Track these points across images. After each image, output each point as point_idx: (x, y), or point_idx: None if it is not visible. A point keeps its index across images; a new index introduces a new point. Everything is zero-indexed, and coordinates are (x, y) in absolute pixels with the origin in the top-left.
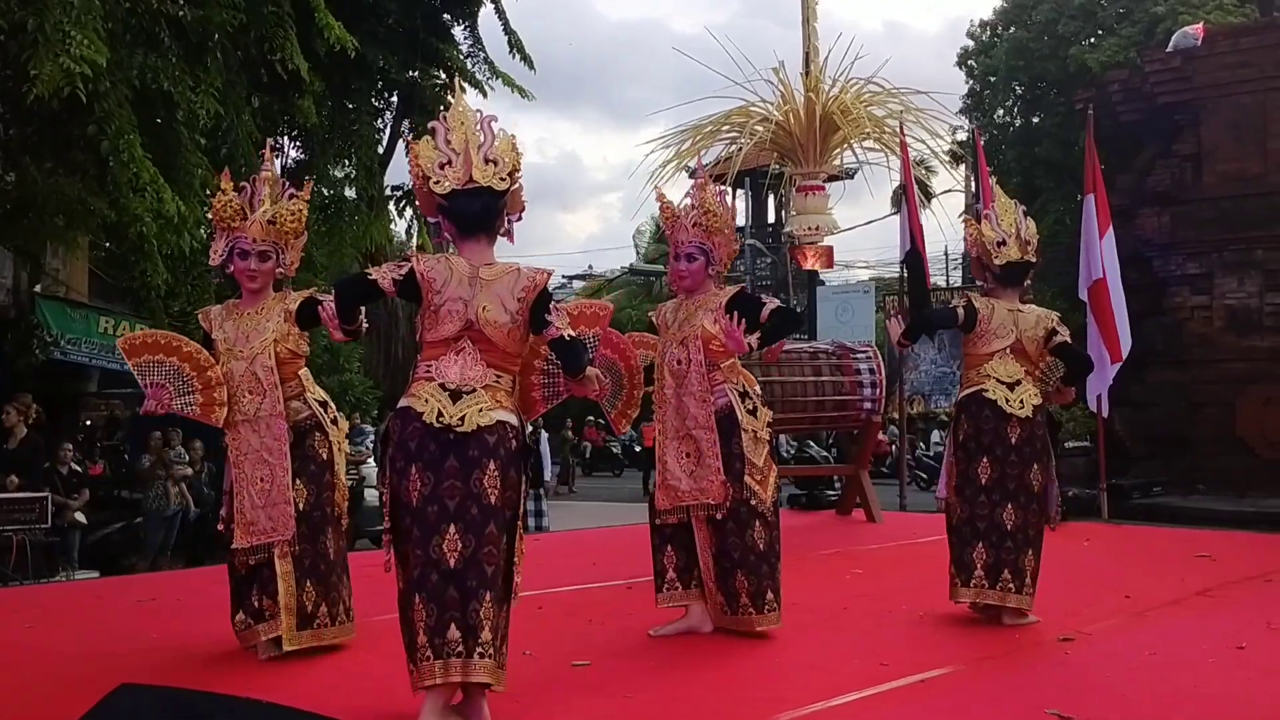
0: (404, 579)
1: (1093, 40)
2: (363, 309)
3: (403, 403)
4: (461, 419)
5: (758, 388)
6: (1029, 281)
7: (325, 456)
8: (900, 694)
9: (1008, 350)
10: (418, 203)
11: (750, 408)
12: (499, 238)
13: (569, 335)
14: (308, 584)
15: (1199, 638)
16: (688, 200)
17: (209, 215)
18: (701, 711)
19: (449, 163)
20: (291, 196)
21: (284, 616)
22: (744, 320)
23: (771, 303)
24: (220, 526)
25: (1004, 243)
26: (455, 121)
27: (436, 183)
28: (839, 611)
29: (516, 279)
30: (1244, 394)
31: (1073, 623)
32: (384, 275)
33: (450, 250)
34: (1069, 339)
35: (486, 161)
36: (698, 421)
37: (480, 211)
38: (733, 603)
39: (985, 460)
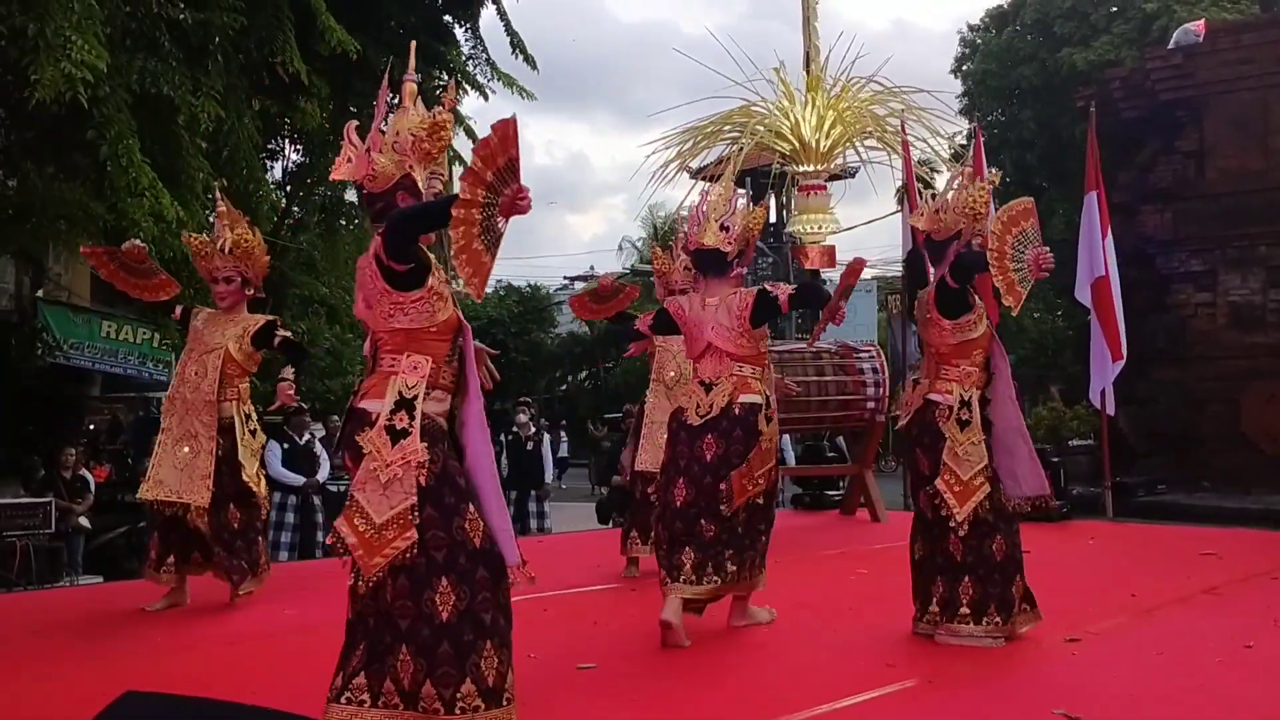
0: None
1: (1086, 39)
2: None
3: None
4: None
5: None
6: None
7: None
8: (907, 695)
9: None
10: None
11: None
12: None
13: None
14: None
15: (1206, 636)
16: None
17: (212, 219)
18: (707, 712)
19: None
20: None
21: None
22: None
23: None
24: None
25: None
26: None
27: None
28: (844, 612)
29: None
30: (1248, 391)
31: (1078, 622)
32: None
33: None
34: None
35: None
36: None
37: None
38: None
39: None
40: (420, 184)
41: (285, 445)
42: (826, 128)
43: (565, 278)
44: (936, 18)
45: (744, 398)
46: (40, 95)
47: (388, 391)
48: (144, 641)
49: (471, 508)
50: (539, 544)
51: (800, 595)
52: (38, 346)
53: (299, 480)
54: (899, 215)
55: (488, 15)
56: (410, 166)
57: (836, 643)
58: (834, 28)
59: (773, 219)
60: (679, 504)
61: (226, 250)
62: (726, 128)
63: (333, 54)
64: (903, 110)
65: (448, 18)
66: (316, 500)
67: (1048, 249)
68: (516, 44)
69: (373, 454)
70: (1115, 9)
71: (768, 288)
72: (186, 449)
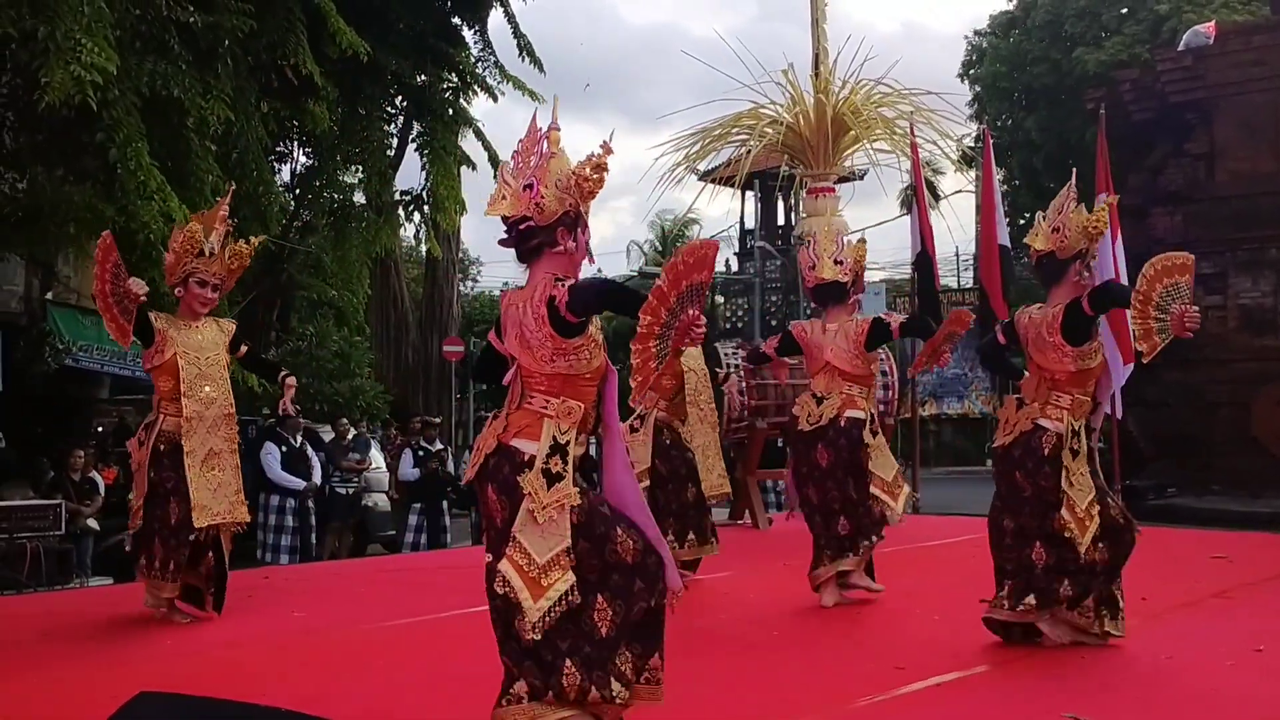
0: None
1: (1097, 39)
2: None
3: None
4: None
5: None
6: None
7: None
8: (915, 698)
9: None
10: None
11: None
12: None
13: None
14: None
15: (1216, 640)
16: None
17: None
18: (712, 714)
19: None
20: (233, 238)
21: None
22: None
23: None
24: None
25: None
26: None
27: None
28: (853, 615)
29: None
30: (1259, 394)
31: None
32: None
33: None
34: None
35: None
36: None
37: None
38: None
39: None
40: (584, 217)
41: (283, 448)
42: (835, 130)
43: None
44: (946, 20)
45: (849, 413)
46: (50, 98)
47: (542, 434)
48: (155, 643)
49: (619, 530)
50: None
51: (809, 598)
52: (46, 349)
53: (300, 484)
54: (907, 218)
55: (496, 18)
56: (571, 204)
57: (844, 645)
58: (843, 30)
59: (781, 221)
60: (815, 503)
61: (227, 257)
62: (735, 130)
63: (342, 56)
64: (911, 112)
65: (456, 20)
66: (310, 503)
67: (1197, 309)
68: (524, 46)
69: (531, 495)
70: (1126, 10)
71: (882, 316)
72: (215, 469)
